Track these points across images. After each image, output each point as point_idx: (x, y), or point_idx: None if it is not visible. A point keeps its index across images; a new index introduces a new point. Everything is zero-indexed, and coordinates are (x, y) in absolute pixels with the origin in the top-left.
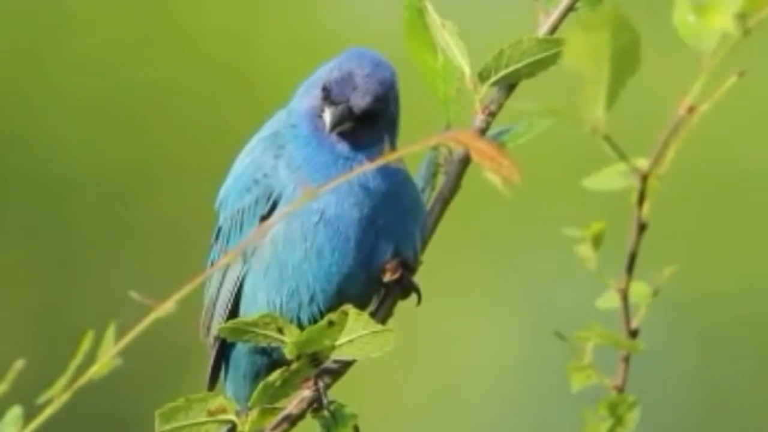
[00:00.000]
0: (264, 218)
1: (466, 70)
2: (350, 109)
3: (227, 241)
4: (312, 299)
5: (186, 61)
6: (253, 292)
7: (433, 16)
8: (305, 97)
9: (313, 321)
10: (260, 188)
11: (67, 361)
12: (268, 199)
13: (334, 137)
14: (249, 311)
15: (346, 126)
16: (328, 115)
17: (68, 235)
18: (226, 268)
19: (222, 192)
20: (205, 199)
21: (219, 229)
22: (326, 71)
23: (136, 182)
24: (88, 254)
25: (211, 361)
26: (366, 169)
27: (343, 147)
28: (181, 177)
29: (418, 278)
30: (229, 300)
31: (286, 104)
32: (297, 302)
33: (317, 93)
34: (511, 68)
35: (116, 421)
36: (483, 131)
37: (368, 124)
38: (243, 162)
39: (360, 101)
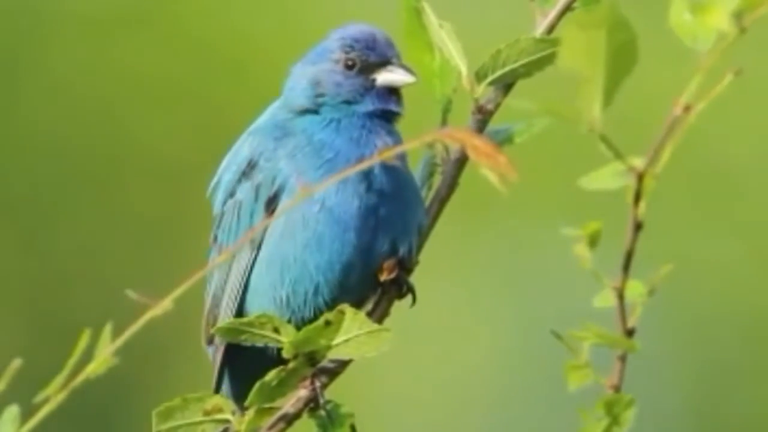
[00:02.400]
0: (270, 201)
1: (463, 69)
2: (402, 65)
3: (229, 232)
4: (317, 290)
5: (179, 50)
6: (257, 286)
7: (431, 16)
8: (325, 85)
9: (319, 314)
10: (262, 174)
11: (63, 359)
12: (272, 183)
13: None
14: (254, 306)
15: (414, 79)
16: (392, 73)
17: (65, 233)
18: (232, 260)
19: (215, 180)
20: (202, 193)
21: (218, 224)
22: (332, 52)
23: (132, 177)
24: (85, 252)
25: (217, 365)
26: (372, 162)
27: (372, 123)
28: (179, 172)
29: (414, 277)
30: (237, 293)
31: (272, 100)
32: (303, 294)
33: (341, 72)
34: (508, 68)
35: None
36: (480, 131)
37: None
38: (238, 151)
39: (394, 53)
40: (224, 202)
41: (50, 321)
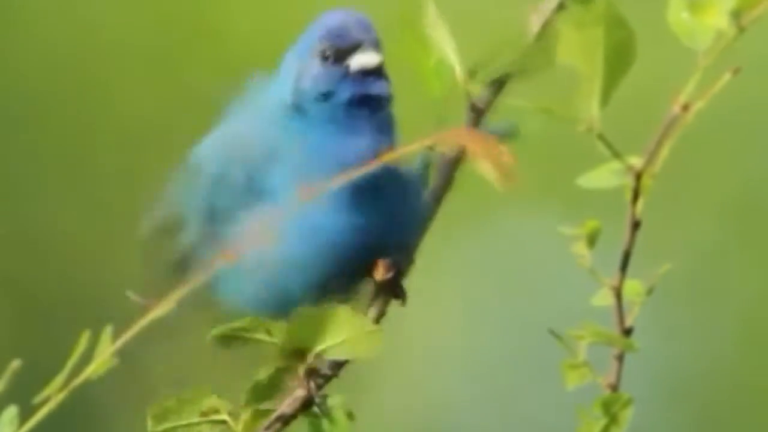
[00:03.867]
0: (250, 209)
1: (458, 67)
2: (372, 45)
3: (210, 235)
4: (300, 299)
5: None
6: (236, 285)
7: (426, 13)
8: (305, 80)
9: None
10: (241, 180)
11: (63, 360)
12: (249, 192)
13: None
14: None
15: (379, 58)
16: (363, 54)
17: (63, 232)
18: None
19: (196, 160)
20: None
21: (200, 225)
22: (312, 44)
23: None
24: (82, 251)
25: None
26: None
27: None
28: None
29: (409, 274)
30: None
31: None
32: (285, 300)
33: (318, 64)
34: (502, 65)
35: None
36: (475, 129)
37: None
38: (222, 145)
39: (369, 35)
40: (205, 200)
41: (51, 320)
